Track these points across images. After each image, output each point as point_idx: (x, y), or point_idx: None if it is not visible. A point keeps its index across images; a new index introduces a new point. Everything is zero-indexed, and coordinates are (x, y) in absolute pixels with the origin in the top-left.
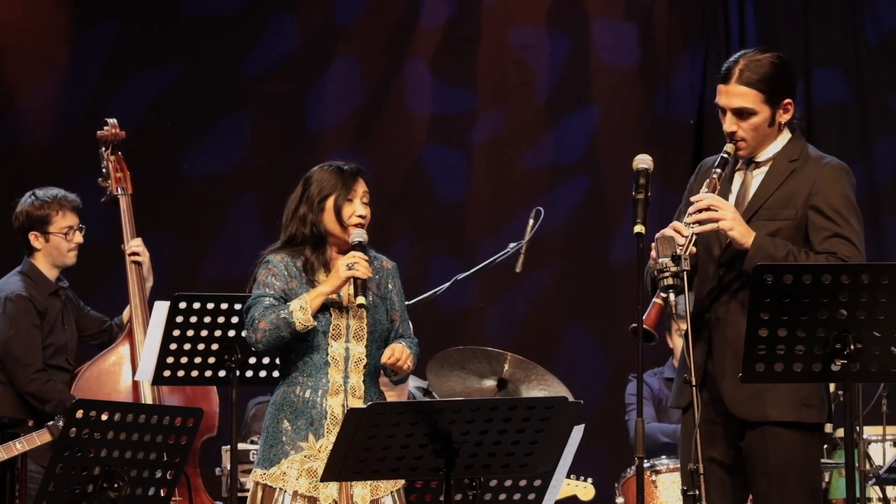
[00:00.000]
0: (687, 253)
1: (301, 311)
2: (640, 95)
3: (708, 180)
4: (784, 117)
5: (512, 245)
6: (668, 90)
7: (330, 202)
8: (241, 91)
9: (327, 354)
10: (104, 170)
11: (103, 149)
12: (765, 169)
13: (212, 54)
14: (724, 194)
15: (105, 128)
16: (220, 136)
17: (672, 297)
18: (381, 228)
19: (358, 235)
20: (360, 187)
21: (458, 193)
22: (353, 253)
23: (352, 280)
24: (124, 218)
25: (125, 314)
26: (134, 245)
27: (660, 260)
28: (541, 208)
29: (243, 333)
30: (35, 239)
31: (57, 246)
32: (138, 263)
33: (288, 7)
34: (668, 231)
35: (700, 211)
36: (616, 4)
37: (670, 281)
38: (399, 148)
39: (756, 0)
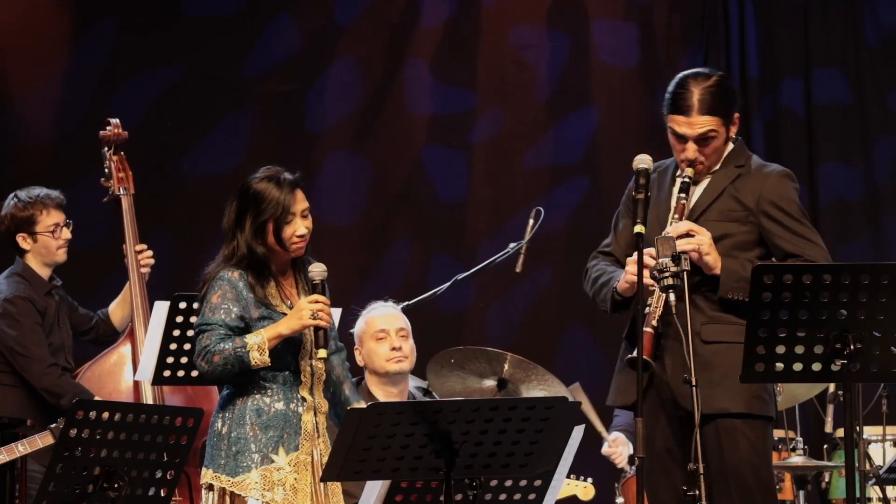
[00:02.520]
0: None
1: (258, 351)
2: (640, 95)
3: (675, 205)
4: (734, 131)
5: (512, 245)
6: None
7: (270, 226)
8: (241, 91)
9: (299, 371)
10: (107, 170)
11: (106, 149)
12: (709, 177)
13: (212, 54)
14: (665, 203)
15: (108, 128)
16: (220, 136)
17: (672, 297)
18: (381, 228)
19: (318, 275)
20: (300, 204)
21: (458, 193)
22: (317, 297)
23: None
24: (126, 218)
25: (111, 307)
26: (148, 255)
27: (660, 260)
28: (541, 208)
29: (195, 359)
30: (23, 241)
31: (46, 245)
32: (143, 273)
33: (288, 7)
34: (648, 259)
35: (680, 237)
36: (616, 4)
37: (670, 281)
38: (399, 148)
39: (756, 0)
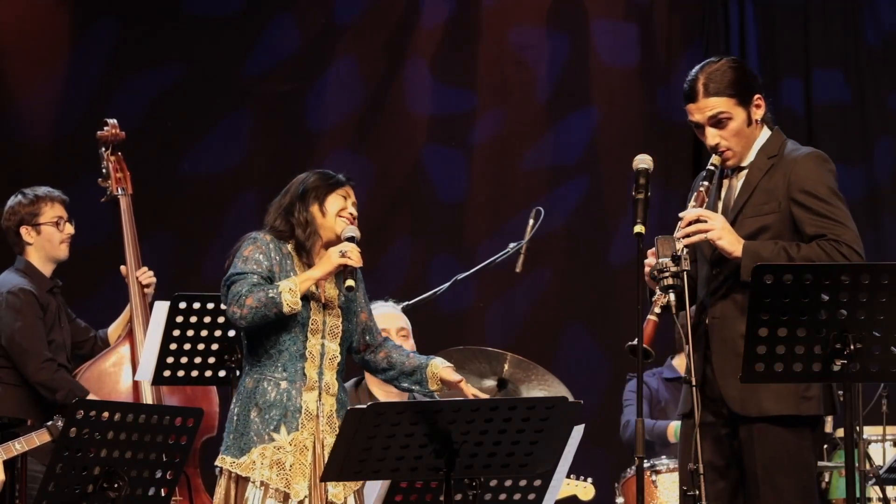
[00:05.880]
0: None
1: (290, 293)
2: (640, 95)
3: (695, 193)
4: (758, 113)
5: (512, 245)
6: (668, 90)
7: (321, 197)
8: (241, 91)
9: (305, 349)
10: (104, 170)
11: (103, 149)
12: (745, 170)
13: (212, 54)
14: (713, 204)
15: (105, 128)
16: (220, 136)
17: (672, 297)
18: (381, 228)
19: (351, 231)
20: (351, 191)
21: (458, 193)
22: (346, 242)
23: (342, 270)
24: (124, 218)
25: (110, 330)
26: (149, 276)
27: (660, 260)
28: (541, 208)
29: (223, 306)
30: (27, 233)
31: (49, 237)
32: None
33: (288, 7)
34: (650, 259)
35: (689, 224)
36: (616, 4)
37: (670, 281)
38: (399, 148)
39: (756, 0)
